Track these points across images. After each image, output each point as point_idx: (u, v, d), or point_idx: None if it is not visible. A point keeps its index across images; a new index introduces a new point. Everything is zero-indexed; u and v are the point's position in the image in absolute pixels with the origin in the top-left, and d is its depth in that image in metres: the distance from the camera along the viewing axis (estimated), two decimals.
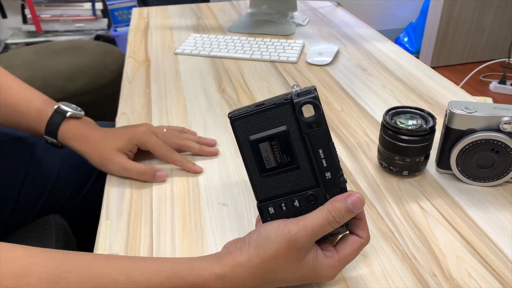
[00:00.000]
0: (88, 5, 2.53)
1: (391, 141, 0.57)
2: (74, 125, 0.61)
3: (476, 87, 2.12)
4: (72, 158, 0.73)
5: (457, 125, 0.55)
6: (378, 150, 0.60)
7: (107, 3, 2.51)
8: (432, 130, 0.56)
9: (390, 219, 0.52)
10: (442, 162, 0.59)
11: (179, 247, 0.49)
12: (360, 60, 0.96)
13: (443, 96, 0.79)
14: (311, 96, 0.39)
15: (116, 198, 0.57)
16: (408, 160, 0.57)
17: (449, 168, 0.58)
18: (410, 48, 2.62)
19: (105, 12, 2.58)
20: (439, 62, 2.30)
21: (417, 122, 0.57)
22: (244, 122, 0.40)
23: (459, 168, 0.57)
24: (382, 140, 0.59)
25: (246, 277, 0.38)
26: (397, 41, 2.71)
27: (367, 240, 0.42)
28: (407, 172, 0.58)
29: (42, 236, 0.66)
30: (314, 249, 0.40)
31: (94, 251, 0.49)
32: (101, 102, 1.24)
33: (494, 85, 2.14)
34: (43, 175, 0.70)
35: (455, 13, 2.16)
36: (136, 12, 1.32)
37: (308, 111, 0.39)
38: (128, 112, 0.78)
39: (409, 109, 0.59)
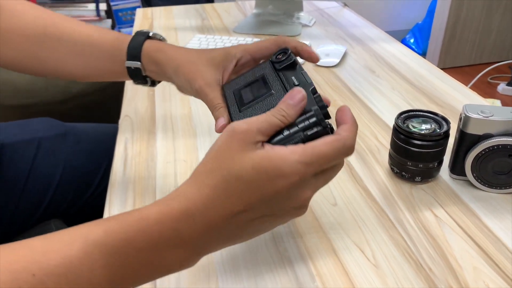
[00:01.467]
0: (92, 6, 2.52)
1: (403, 146, 0.55)
2: (159, 42, 0.52)
3: (484, 89, 2.09)
4: (74, 162, 0.71)
5: (472, 129, 0.53)
6: (390, 155, 0.58)
7: (111, 3, 2.50)
8: (446, 135, 0.54)
9: (403, 227, 0.50)
10: (456, 168, 0.57)
11: None
12: (368, 62, 0.93)
13: (454, 99, 0.77)
14: (284, 48, 0.46)
15: (118, 205, 0.55)
16: (421, 165, 0.55)
17: (464, 174, 0.56)
18: (416, 50, 2.59)
19: (109, 13, 2.58)
20: (446, 63, 2.28)
21: (430, 126, 0.55)
22: (231, 84, 0.46)
23: (474, 174, 0.55)
24: (393, 145, 0.56)
25: (200, 189, 0.34)
26: (403, 42, 2.69)
27: (344, 138, 0.35)
28: (419, 178, 0.56)
29: None
30: (268, 144, 0.35)
31: None
32: (104, 103, 1.22)
33: (502, 87, 2.11)
34: (44, 179, 0.68)
35: (462, 14, 2.13)
36: (140, 13, 1.31)
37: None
38: (132, 114, 0.76)
39: (422, 113, 0.57)
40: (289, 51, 0.45)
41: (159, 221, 0.33)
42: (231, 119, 0.43)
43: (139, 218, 0.33)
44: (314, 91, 0.39)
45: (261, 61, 0.48)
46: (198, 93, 0.47)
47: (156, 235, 0.33)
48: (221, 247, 0.37)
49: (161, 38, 0.53)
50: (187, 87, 0.48)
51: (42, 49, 0.52)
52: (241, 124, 0.35)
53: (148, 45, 0.50)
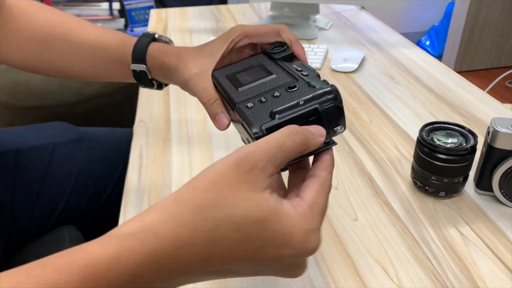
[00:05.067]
0: (105, 5, 2.53)
1: (428, 160, 0.53)
2: (165, 44, 0.49)
3: (502, 94, 2.05)
4: (88, 168, 0.70)
5: (501, 144, 0.51)
6: (413, 168, 0.56)
7: (124, 3, 2.50)
8: (473, 149, 0.52)
9: (427, 246, 0.48)
10: (482, 183, 0.54)
11: None
12: (387, 68, 0.91)
13: (476, 107, 0.74)
14: (280, 41, 0.45)
15: (133, 213, 0.54)
16: (446, 180, 0.53)
17: (490, 190, 0.54)
18: (432, 52, 2.55)
19: (122, 12, 2.58)
20: (463, 67, 2.23)
21: (457, 140, 0.53)
22: (223, 70, 0.44)
23: (502, 191, 0.52)
24: (417, 158, 0.55)
25: (174, 232, 0.26)
26: (419, 44, 2.65)
27: (326, 178, 0.31)
28: (444, 193, 0.54)
29: (56, 248, 0.63)
30: (275, 186, 0.30)
31: None
32: (118, 105, 1.22)
33: None
34: (59, 185, 0.67)
35: (481, 16, 2.09)
36: (154, 14, 1.30)
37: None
38: (146, 120, 0.75)
39: (447, 125, 0.55)
40: (286, 45, 0.44)
41: (111, 268, 0.25)
42: (228, 99, 0.39)
43: (85, 264, 0.24)
44: (319, 77, 0.38)
45: (254, 54, 0.47)
46: (186, 85, 0.44)
47: (104, 284, 0.25)
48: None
49: (167, 40, 0.51)
50: (180, 82, 0.46)
51: (49, 50, 0.52)
52: (251, 150, 0.28)
53: (153, 48, 0.48)
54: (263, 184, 0.28)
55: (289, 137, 0.30)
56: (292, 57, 0.43)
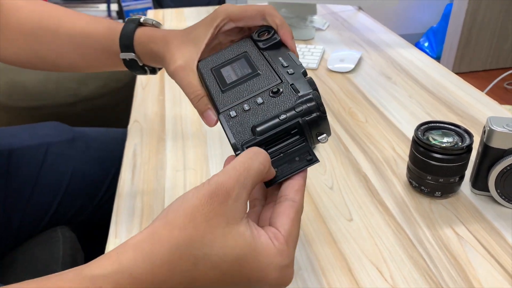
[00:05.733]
0: (103, 6, 2.53)
1: (423, 159, 0.52)
2: (151, 29, 0.47)
3: (501, 95, 2.04)
4: (82, 169, 0.70)
5: (497, 143, 0.50)
6: (408, 167, 0.56)
7: (122, 4, 2.50)
8: (469, 149, 0.51)
9: (422, 246, 0.48)
10: (478, 183, 0.54)
11: None
12: (384, 68, 0.91)
13: (473, 108, 0.74)
14: (266, 26, 0.43)
15: (126, 214, 0.54)
16: (442, 180, 0.52)
17: (486, 190, 0.53)
18: (430, 54, 2.55)
19: (120, 13, 2.57)
20: (461, 68, 2.23)
21: (452, 139, 0.52)
22: (208, 61, 0.42)
23: (498, 191, 0.52)
24: (412, 158, 0.54)
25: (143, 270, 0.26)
26: (417, 46, 2.64)
27: (300, 203, 0.31)
28: (439, 193, 0.54)
29: (49, 249, 0.63)
30: (251, 221, 0.30)
31: None
32: (115, 106, 1.21)
33: None
34: (52, 185, 0.67)
35: (479, 17, 2.09)
36: (151, 15, 1.30)
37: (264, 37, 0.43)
38: (141, 119, 0.74)
39: (443, 125, 0.54)
40: (273, 30, 0.42)
41: None
42: (212, 101, 0.39)
43: None
44: (305, 73, 0.37)
45: (241, 38, 0.45)
46: (173, 77, 0.43)
47: None
48: None
49: (153, 23, 0.49)
50: (167, 72, 0.44)
51: (39, 43, 0.51)
52: (221, 180, 0.28)
53: (140, 33, 0.46)
54: (239, 214, 0.28)
55: (254, 158, 0.30)
56: (279, 45, 0.42)
